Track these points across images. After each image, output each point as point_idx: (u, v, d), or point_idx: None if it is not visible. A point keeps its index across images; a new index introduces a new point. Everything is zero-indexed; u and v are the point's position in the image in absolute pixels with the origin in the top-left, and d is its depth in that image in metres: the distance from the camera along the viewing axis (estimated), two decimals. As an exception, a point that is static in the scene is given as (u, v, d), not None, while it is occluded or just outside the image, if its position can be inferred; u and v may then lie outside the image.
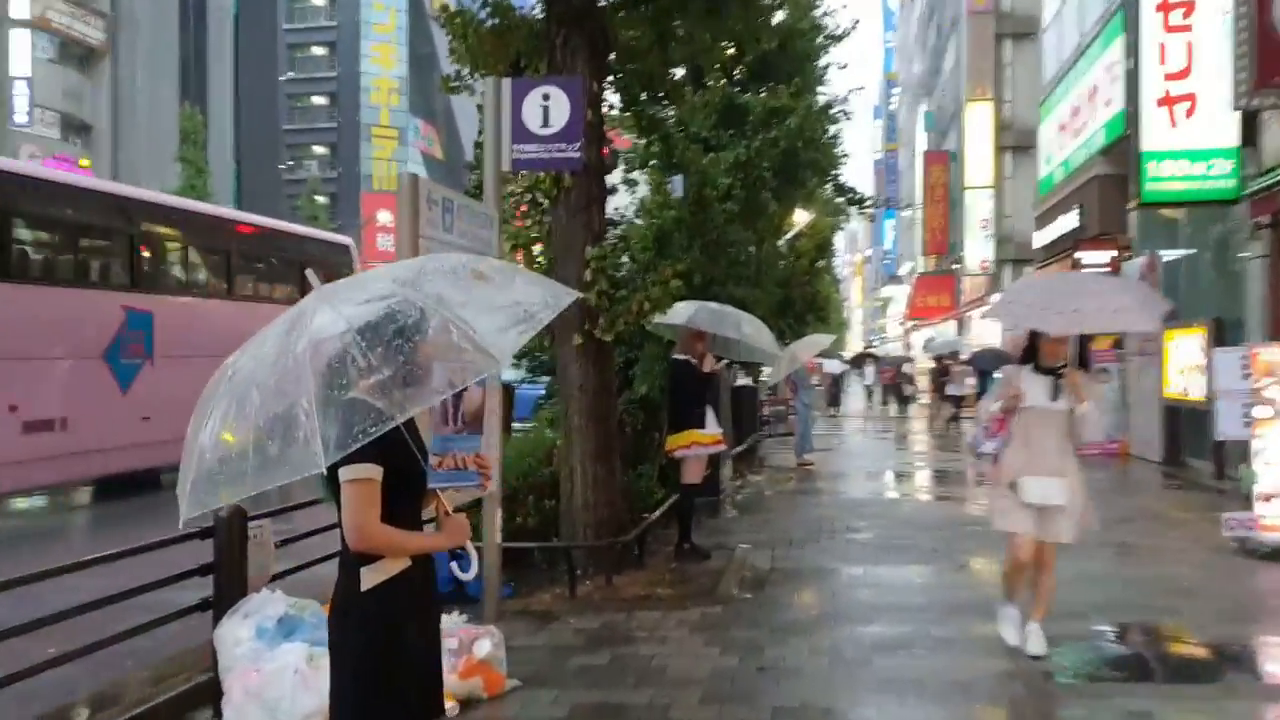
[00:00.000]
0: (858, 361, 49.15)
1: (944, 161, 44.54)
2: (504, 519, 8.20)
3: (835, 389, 37.61)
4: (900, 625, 6.76)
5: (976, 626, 6.64)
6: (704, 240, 12.14)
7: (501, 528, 8.08)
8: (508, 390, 10.59)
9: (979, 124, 35.63)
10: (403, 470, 3.04)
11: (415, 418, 3.06)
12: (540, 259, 8.63)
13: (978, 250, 35.93)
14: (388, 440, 2.86)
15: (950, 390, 26.39)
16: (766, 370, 20.30)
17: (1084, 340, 22.10)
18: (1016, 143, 34.23)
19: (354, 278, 3.30)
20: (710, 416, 9.10)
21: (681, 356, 9.07)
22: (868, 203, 16.84)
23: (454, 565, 3.28)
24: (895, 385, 25.01)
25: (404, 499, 3.08)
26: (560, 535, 8.49)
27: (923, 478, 16.07)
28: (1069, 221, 23.32)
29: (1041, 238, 26.69)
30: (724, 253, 13.16)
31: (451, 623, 5.72)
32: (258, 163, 61.14)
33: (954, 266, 44.37)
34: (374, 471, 2.97)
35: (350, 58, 65.68)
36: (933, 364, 31.62)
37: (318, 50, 69.85)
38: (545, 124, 7.10)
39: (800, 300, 20.24)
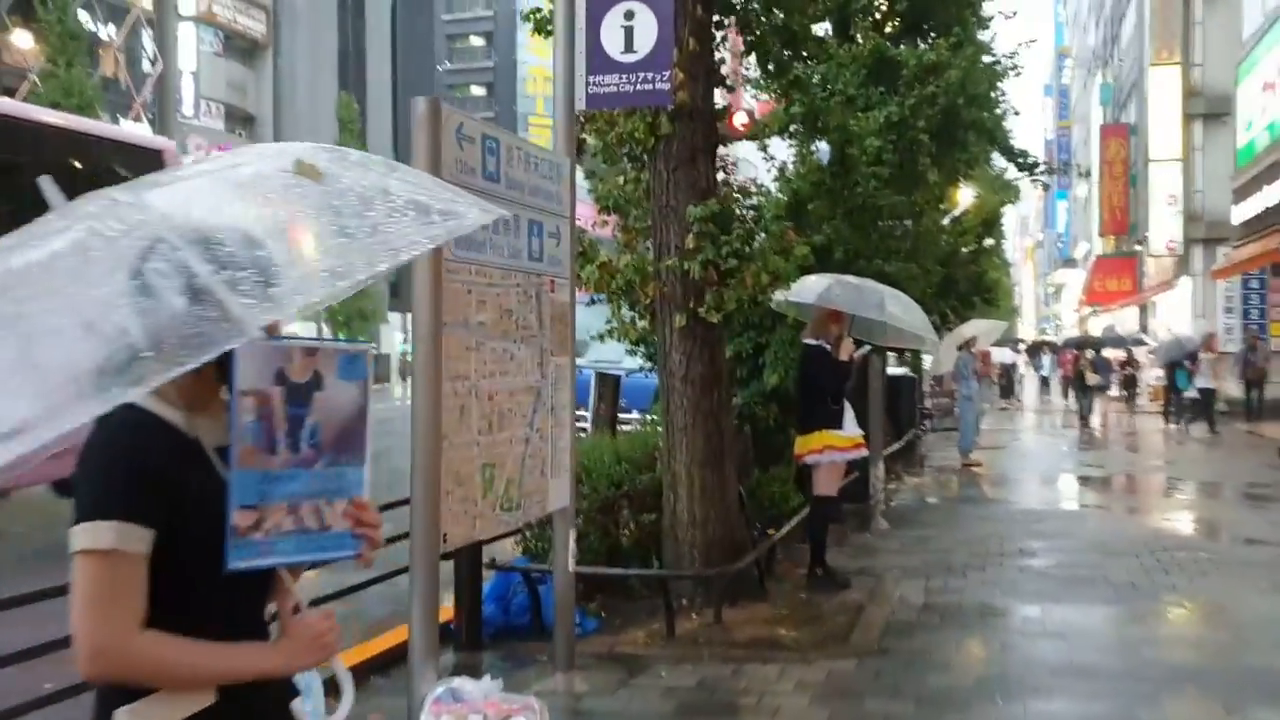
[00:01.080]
0: (1033, 350, 45.92)
1: (1123, 135, 41.18)
2: (595, 535, 6.83)
3: (1008, 379, 35.00)
4: (1093, 701, 5.06)
5: (1202, 707, 4.88)
6: (848, 208, 10.46)
7: (592, 547, 6.72)
8: (613, 380, 9.19)
9: (1164, 90, 32.44)
10: (205, 538, 1.66)
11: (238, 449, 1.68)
12: (637, 225, 7.19)
13: (1164, 229, 32.76)
14: (169, 482, 1.55)
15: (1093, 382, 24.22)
16: (928, 358, 18.40)
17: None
18: (1208, 110, 30.94)
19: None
20: (849, 414, 7.49)
21: (813, 341, 7.49)
22: (1040, 168, 14.75)
23: (296, 706, 1.85)
24: (1078, 374, 22.58)
25: (213, 585, 1.69)
26: (662, 556, 7.06)
27: (1109, 485, 13.96)
28: (1277, 192, 20.54)
29: (1241, 212, 23.84)
30: (873, 224, 11.43)
31: (482, 690, 4.33)
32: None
33: (1136, 248, 40.96)
34: (129, 538, 1.60)
35: (507, 47, 65.84)
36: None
37: (475, 40, 70.40)
38: (629, 49, 5.63)
39: (964, 281, 18.19)
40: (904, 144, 13.03)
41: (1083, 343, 25.36)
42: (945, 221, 17.57)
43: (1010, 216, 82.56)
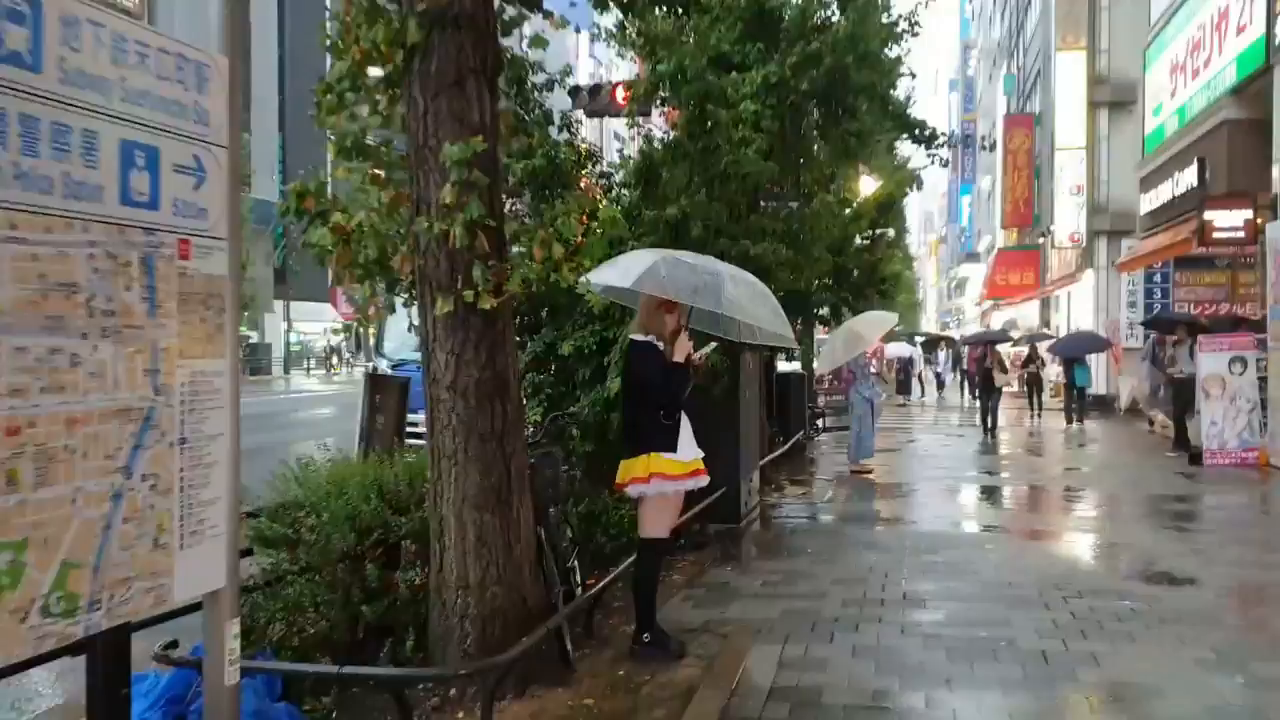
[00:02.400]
0: (931, 345, 44.88)
1: (1027, 125, 40.41)
2: (328, 605, 4.97)
3: (905, 375, 33.87)
4: None
5: None
6: (709, 176, 8.73)
7: (322, 621, 4.88)
8: (397, 385, 7.28)
9: (1070, 77, 31.50)
10: None
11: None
12: (393, 177, 5.32)
13: (1068, 221, 31.84)
14: None
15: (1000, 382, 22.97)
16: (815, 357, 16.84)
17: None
18: (1113, 98, 30.09)
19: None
20: (686, 432, 5.72)
21: (641, 337, 5.71)
22: (938, 141, 13.22)
23: None
24: (984, 373, 20.72)
25: None
26: (429, 633, 5.23)
27: (1012, 500, 12.48)
28: (1186, 179, 19.45)
29: (1148, 202, 22.79)
30: (746, 200, 9.73)
31: None
32: (308, 132, 58.69)
33: (1039, 240, 40.21)
34: None
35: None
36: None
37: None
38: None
39: (860, 270, 16.66)
40: (785, 109, 11.39)
41: (989, 338, 23.70)
42: (832, 198, 15.99)
43: (914, 211, 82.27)
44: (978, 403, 21.33)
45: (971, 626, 6.22)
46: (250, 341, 52.17)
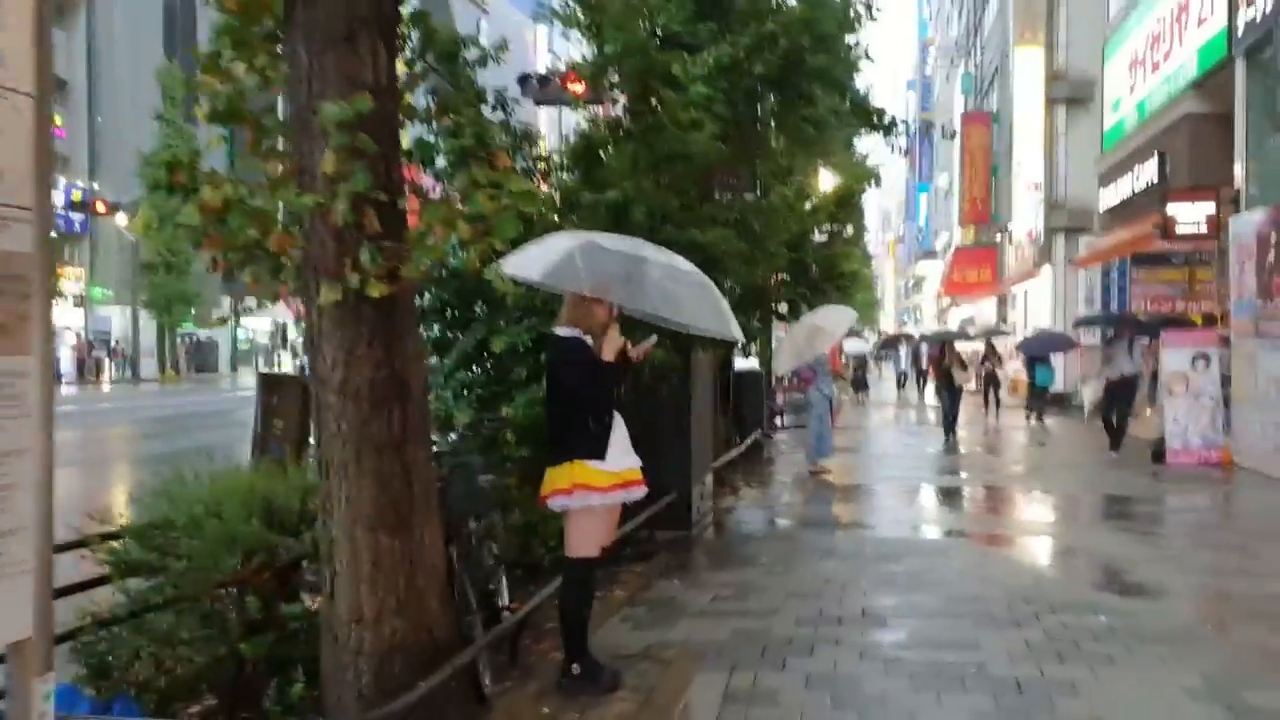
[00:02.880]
0: (890, 343, 44.45)
1: (985, 123, 40.22)
2: (199, 640, 4.33)
3: (861, 372, 33.45)
4: None
5: None
6: (654, 158, 8.12)
7: (184, 662, 4.24)
8: (296, 386, 6.61)
9: (1027, 73, 31.27)
10: None
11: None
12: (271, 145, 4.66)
13: (1026, 217, 31.60)
14: None
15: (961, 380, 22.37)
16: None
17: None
18: (1071, 94, 29.78)
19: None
20: (619, 436, 5.09)
21: (567, 332, 5.08)
22: (896, 128, 12.69)
23: None
24: (944, 373, 19.92)
25: None
26: (322, 670, 4.58)
27: (975, 502, 11.99)
28: (1147, 174, 19.13)
29: (1108, 198, 22.50)
30: (696, 186, 9.13)
31: None
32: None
33: (997, 237, 40.05)
34: None
35: None
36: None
37: None
38: None
39: (818, 266, 16.11)
40: (739, 94, 10.81)
41: (947, 336, 23.01)
42: (799, 201, 15.43)
43: (872, 210, 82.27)
44: (938, 402, 20.38)
45: (937, 649, 5.66)
46: (196, 339, 50.92)
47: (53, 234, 3.84)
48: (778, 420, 19.84)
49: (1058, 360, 24.73)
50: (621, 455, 5.07)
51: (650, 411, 9.51)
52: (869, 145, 38.51)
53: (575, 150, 7.98)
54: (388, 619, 4.45)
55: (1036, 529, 9.79)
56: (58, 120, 46.68)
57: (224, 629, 4.47)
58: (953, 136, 31.29)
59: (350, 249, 4.19)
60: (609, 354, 4.97)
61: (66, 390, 36.25)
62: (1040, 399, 23.07)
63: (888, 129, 12.48)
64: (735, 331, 5.12)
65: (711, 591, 7.10)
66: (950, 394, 18.56)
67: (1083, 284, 28.50)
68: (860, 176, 17.32)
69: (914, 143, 78.95)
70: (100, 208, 40.88)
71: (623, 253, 4.97)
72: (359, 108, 3.87)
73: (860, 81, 13.63)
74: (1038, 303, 32.73)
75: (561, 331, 5.12)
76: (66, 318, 45.32)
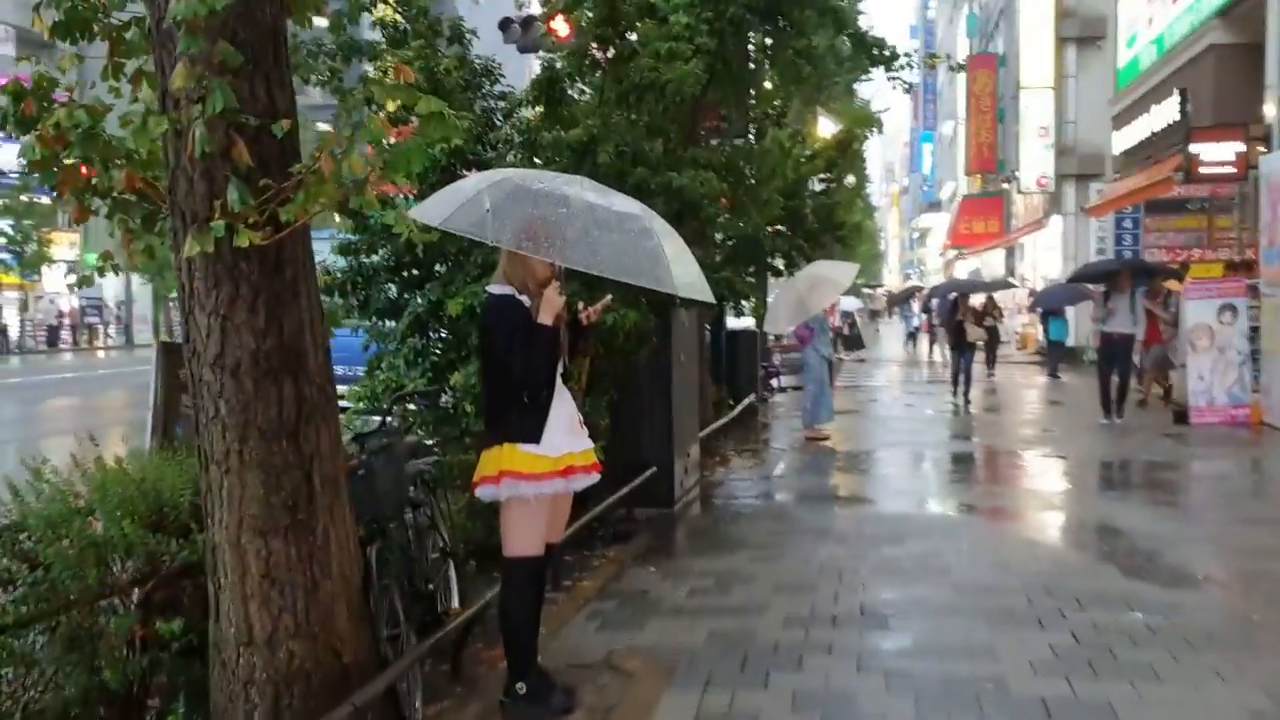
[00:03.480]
0: (902, 298, 42.42)
1: (991, 65, 38.94)
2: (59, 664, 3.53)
3: (853, 329, 32.38)
4: None
5: None
6: (622, 90, 7.21)
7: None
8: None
9: (1035, 11, 30.03)
10: None
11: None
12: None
13: (1035, 164, 30.49)
14: None
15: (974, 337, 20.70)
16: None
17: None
18: (1082, 32, 28.67)
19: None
20: (560, 417, 4.24)
21: (499, 289, 4.22)
22: (899, 61, 11.71)
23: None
24: (955, 327, 18.14)
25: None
26: (211, 702, 3.79)
27: (986, 471, 11.16)
28: (1166, 113, 18.10)
29: (1123, 140, 21.46)
30: (672, 120, 8.23)
31: None
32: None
33: (1004, 186, 38.95)
34: None
35: None
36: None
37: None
38: None
39: (816, 215, 15.17)
40: (724, 25, 9.86)
41: (960, 288, 21.14)
42: (794, 146, 14.47)
43: (875, 162, 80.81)
44: (948, 361, 18.55)
45: (946, 658, 4.81)
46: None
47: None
48: (775, 382, 18.99)
49: (1071, 314, 23.69)
50: (563, 437, 4.23)
51: (628, 379, 8.69)
52: (871, 91, 37.21)
53: (537, 83, 7.07)
54: (284, 640, 3.65)
55: (1054, 502, 8.92)
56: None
57: (93, 652, 3.67)
58: (960, 69, 29.96)
59: (221, 189, 3.33)
60: (546, 316, 4.12)
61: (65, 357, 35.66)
62: (1056, 354, 22.02)
63: (889, 62, 11.51)
64: (689, 287, 4.26)
65: (689, 582, 6.27)
66: (962, 352, 16.99)
67: (1094, 233, 27.50)
68: (861, 121, 16.39)
69: (918, 90, 77.50)
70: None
71: (554, 194, 4.09)
72: (213, 6, 2.98)
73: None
74: (1047, 254, 31.74)
75: (494, 289, 4.26)
76: (57, 284, 44.36)
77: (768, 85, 12.59)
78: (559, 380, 4.23)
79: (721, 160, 11.02)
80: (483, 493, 4.17)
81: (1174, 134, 17.42)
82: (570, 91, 7.54)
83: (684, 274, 4.18)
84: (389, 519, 4.53)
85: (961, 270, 48.49)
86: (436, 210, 4.07)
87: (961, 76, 42.89)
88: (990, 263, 43.30)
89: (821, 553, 6.92)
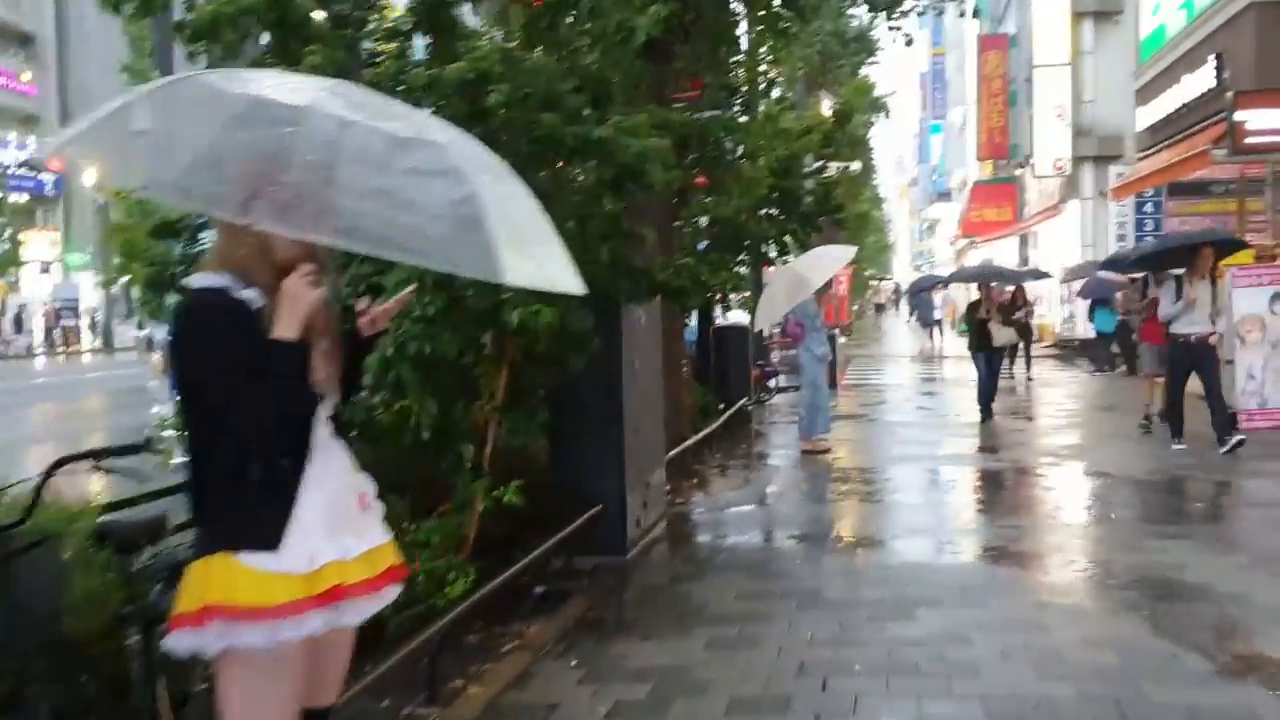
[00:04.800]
0: (921, 287, 38.98)
1: (1002, 46, 37.06)
2: None
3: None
4: None
5: None
6: (535, 14, 5.42)
7: None
8: None
9: (1051, -16, 28.17)
10: None
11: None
12: None
13: (1050, 146, 28.60)
14: None
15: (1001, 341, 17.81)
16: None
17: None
18: (1100, 6, 26.86)
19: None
20: (318, 495, 2.44)
21: (204, 281, 2.45)
22: (902, 5, 9.94)
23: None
24: (978, 326, 15.07)
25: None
26: None
27: (1022, 496, 9.39)
28: (1199, 82, 16.28)
29: (1148, 115, 19.64)
30: (613, 62, 6.45)
31: None
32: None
33: (1016, 172, 37.07)
34: None
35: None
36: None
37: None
38: None
39: (813, 196, 13.34)
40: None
41: (986, 273, 16.76)
42: (781, 113, 12.66)
43: (884, 155, 78.83)
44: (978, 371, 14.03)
45: None
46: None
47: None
48: (772, 382, 17.21)
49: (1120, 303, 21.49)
50: (323, 536, 2.45)
51: (566, 393, 6.95)
52: (879, 75, 35.43)
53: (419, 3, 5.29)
54: None
55: (1108, 546, 7.06)
56: (27, 76, 44.06)
57: None
58: (976, 14, 27.95)
59: None
60: (286, 324, 2.35)
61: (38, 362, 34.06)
62: (1105, 347, 19.86)
63: (890, 7, 9.74)
64: (531, 275, 2.48)
65: (618, 690, 4.50)
66: (986, 357, 13.79)
67: (1114, 219, 25.72)
68: (859, 92, 14.53)
69: (925, 79, 75.54)
70: (56, 165, 38.24)
71: (274, 105, 2.30)
72: None
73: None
74: (1063, 240, 29.86)
75: (198, 279, 2.50)
76: (35, 286, 42.79)
77: (745, 44, 10.82)
78: (318, 433, 2.47)
79: (695, 128, 9.30)
80: (177, 641, 2.39)
81: (1209, 104, 15.62)
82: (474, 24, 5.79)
83: (522, 251, 2.39)
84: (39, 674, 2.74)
85: (973, 260, 46.40)
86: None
87: (972, 62, 41.01)
88: (1003, 251, 41.34)
89: (804, 634, 5.15)
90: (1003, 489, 9.50)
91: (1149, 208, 24.73)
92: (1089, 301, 20.88)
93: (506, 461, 6.63)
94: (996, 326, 13.68)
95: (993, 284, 15.17)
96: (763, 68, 11.35)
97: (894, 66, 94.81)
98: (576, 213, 5.84)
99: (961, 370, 22.61)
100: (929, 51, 73.84)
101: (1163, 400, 11.41)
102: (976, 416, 13.54)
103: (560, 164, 5.76)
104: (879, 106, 32.15)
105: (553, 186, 5.58)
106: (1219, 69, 15.25)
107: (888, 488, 9.43)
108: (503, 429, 6.03)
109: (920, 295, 34.02)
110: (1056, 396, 17.08)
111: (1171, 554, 6.62)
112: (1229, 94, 13.83)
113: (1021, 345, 19.70)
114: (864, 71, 30.52)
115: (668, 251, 9.39)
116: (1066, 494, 8.98)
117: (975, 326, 13.86)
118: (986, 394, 13.63)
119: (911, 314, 34.78)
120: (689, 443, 9.96)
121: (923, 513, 8.38)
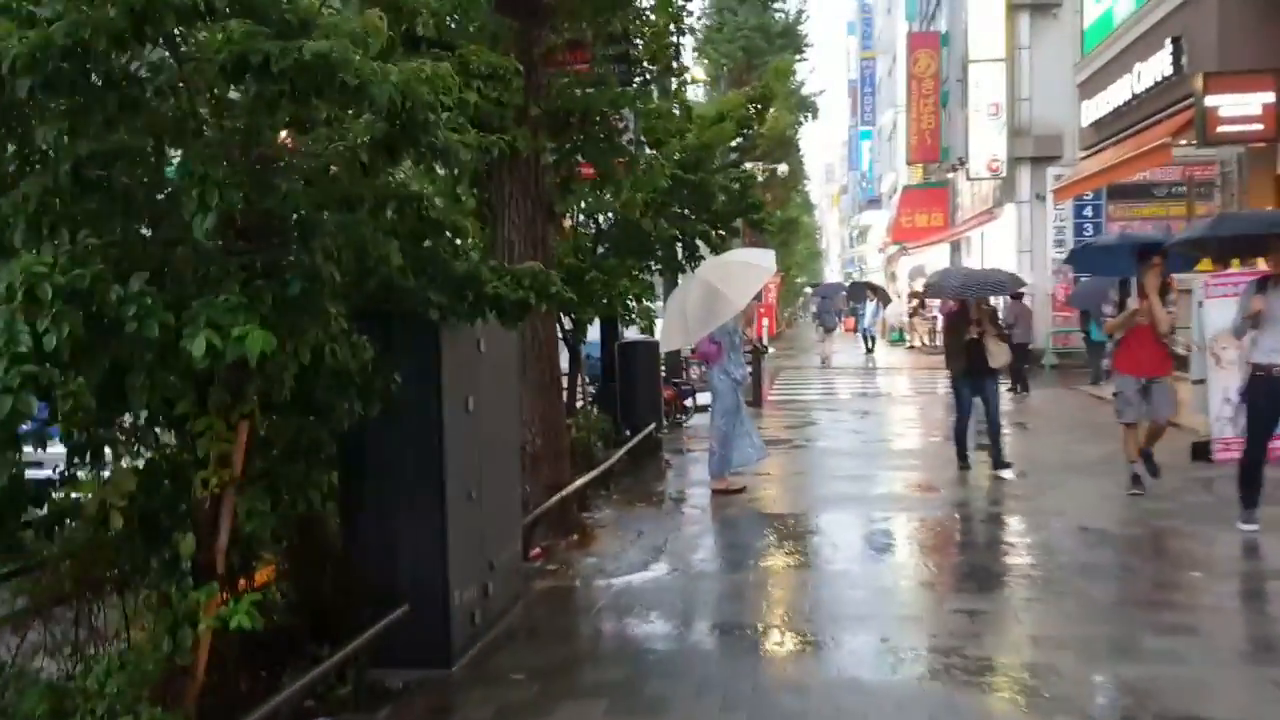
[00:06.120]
0: (856, 293, 36.33)
1: (933, 44, 35.80)
2: None
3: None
4: None
5: None
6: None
7: None
8: None
9: (985, -24, 26.81)
10: None
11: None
12: None
13: (985, 146, 27.19)
14: None
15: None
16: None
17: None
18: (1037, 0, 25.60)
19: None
20: None
21: None
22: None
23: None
24: (969, 347, 12.19)
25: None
26: None
27: (1006, 559, 7.65)
28: (1154, 70, 14.77)
29: (1094, 109, 18.17)
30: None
31: None
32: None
33: (948, 176, 35.79)
34: None
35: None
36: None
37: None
38: None
39: (726, 194, 11.54)
40: None
41: (976, 281, 11.34)
42: (680, 93, 10.81)
43: (815, 163, 77.73)
44: (953, 397, 10.96)
45: None
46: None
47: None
48: (690, 401, 15.38)
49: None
50: None
51: (363, 449, 5.04)
52: (805, 71, 33.94)
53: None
54: None
55: (1093, 650, 5.33)
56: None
57: None
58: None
59: None
60: None
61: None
62: (1098, 358, 17.82)
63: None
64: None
65: None
66: (974, 384, 10.33)
67: (1052, 223, 24.46)
68: (782, 73, 12.77)
69: (855, 86, 74.44)
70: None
71: None
72: None
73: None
74: (998, 246, 28.49)
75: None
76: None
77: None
78: None
79: (578, 105, 7.46)
80: None
81: (1165, 93, 14.15)
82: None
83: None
84: None
85: (904, 267, 44.93)
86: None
87: (902, 66, 39.67)
88: (933, 258, 40.02)
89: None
90: (965, 545, 7.72)
91: (1089, 211, 23.50)
92: (1081, 311, 19.09)
93: (299, 541, 4.76)
94: (994, 343, 10.21)
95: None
96: (672, 37, 9.48)
97: (824, 73, 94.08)
98: (341, 194, 3.95)
99: (894, 383, 21.06)
100: (859, 55, 72.96)
101: (1140, 445, 9.09)
102: (914, 442, 11.73)
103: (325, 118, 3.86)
104: (807, 106, 30.62)
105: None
106: (1176, 53, 13.75)
107: (814, 546, 7.60)
108: (246, 524, 4.11)
109: (825, 300, 32.26)
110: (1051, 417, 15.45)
111: (1185, 663, 4.87)
112: (1199, 77, 12.27)
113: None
114: (795, 72, 29.02)
115: (542, 255, 7.53)
116: (1032, 556, 7.22)
117: (962, 348, 10.30)
118: (963, 432, 10.54)
119: (816, 319, 32.81)
120: (571, 488, 8.07)
121: (858, 587, 6.52)
